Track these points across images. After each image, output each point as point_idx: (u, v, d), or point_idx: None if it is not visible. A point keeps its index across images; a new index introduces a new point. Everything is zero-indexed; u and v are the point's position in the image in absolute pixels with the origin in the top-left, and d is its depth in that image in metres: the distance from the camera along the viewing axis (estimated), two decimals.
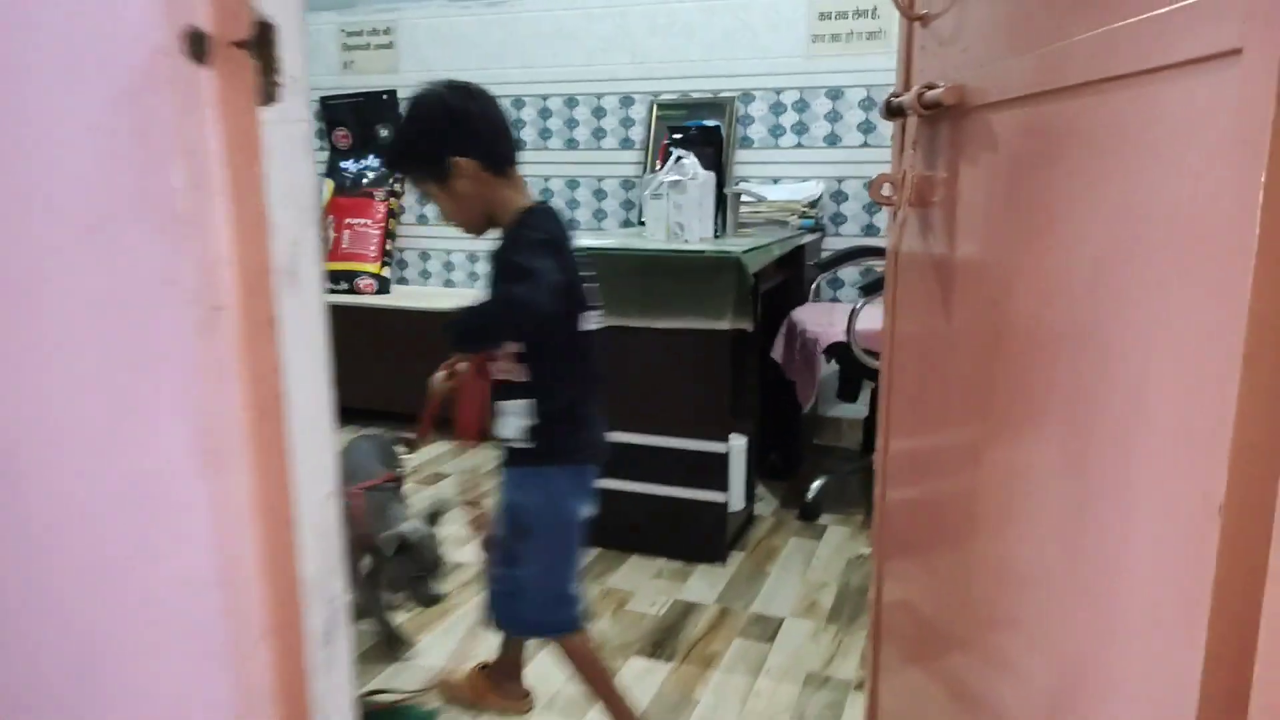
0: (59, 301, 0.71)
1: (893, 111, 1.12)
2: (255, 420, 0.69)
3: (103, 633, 0.76)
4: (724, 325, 2.15)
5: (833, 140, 3.16)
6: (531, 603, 1.47)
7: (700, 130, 2.61)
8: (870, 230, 3.20)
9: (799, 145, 3.23)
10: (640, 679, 1.80)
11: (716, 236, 2.54)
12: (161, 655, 0.74)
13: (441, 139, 1.34)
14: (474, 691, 1.69)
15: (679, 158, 2.44)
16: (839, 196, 3.21)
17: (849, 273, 3.25)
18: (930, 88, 1.00)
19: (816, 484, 2.64)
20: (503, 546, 1.46)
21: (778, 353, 2.80)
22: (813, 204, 3.07)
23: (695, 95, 3.36)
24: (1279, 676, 0.45)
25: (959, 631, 0.98)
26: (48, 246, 0.71)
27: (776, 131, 3.27)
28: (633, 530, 2.34)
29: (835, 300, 3.24)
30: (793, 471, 2.96)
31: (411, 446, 2.14)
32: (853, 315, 2.40)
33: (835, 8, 3.15)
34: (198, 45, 0.64)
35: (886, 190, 1.12)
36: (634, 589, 2.18)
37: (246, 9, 0.64)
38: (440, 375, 1.49)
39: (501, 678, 1.69)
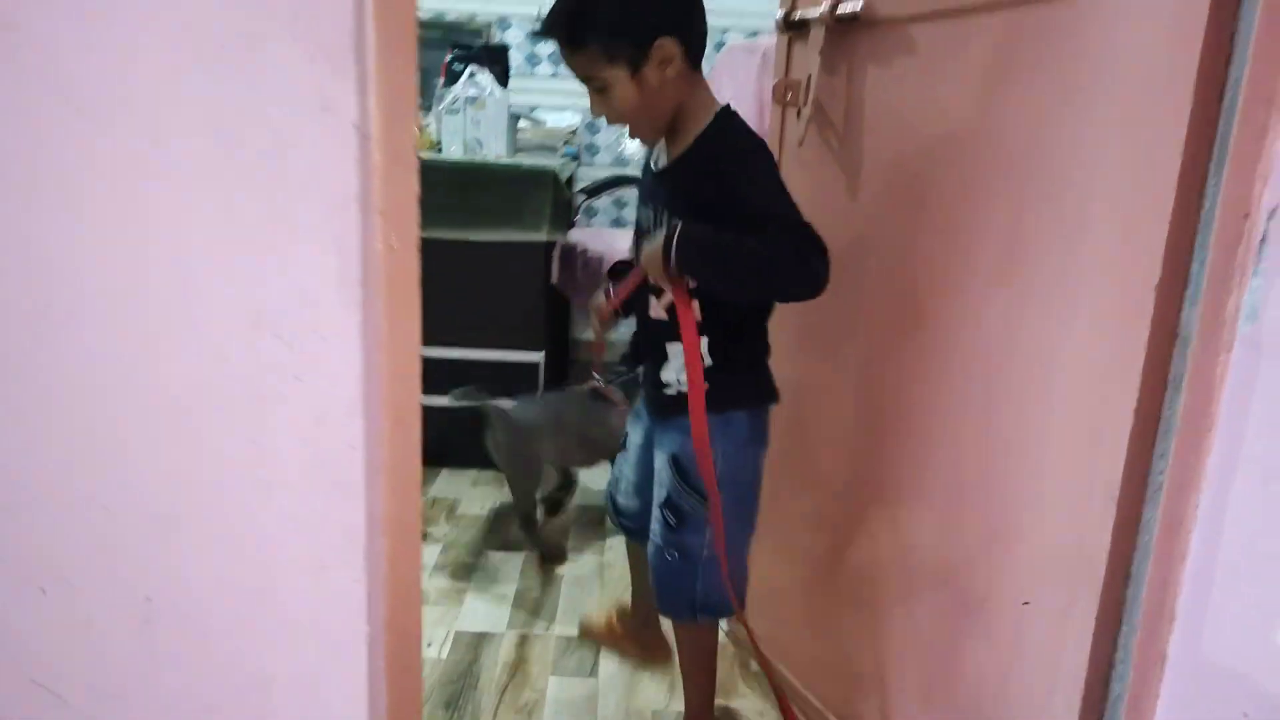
0: (195, 118, 0.69)
1: (790, 26, 1.31)
2: (390, 254, 0.73)
3: (243, 457, 0.75)
4: (541, 237, 2.25)
5: None
6: (708, 576, 1.23)
7: (487, 49, 2.65)
8: (620, 162, 3.42)
9: (555, 75, 3.35)
10: (506, 562, 1.91)
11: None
12: (297, 483, 0.76)
13: (652, 9, 1.11)
14: (612, 636, 1.59)
15: (472, 73, 2.47)
16: (592, 128, 3.39)
17: (603, 201, 3.46)
18: (838, 4, 1.20)
19: None
20: (675, 510, 1.22)
21: (554, 275, 2.94)
22: (572, 133, 3.22)
23: (450, 17, 3.34)
24: None
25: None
26: (178, 65, 0.68)
27: (533, 60, 3.35)
28: (445, 443, 2.38)
29: (592, 226, 3.44)
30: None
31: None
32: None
33: None
34: None
35: (787, 94, 1.32)
36: (459, 496, 2.25)
37: None
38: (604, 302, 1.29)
39: (639, 625, 1.54)
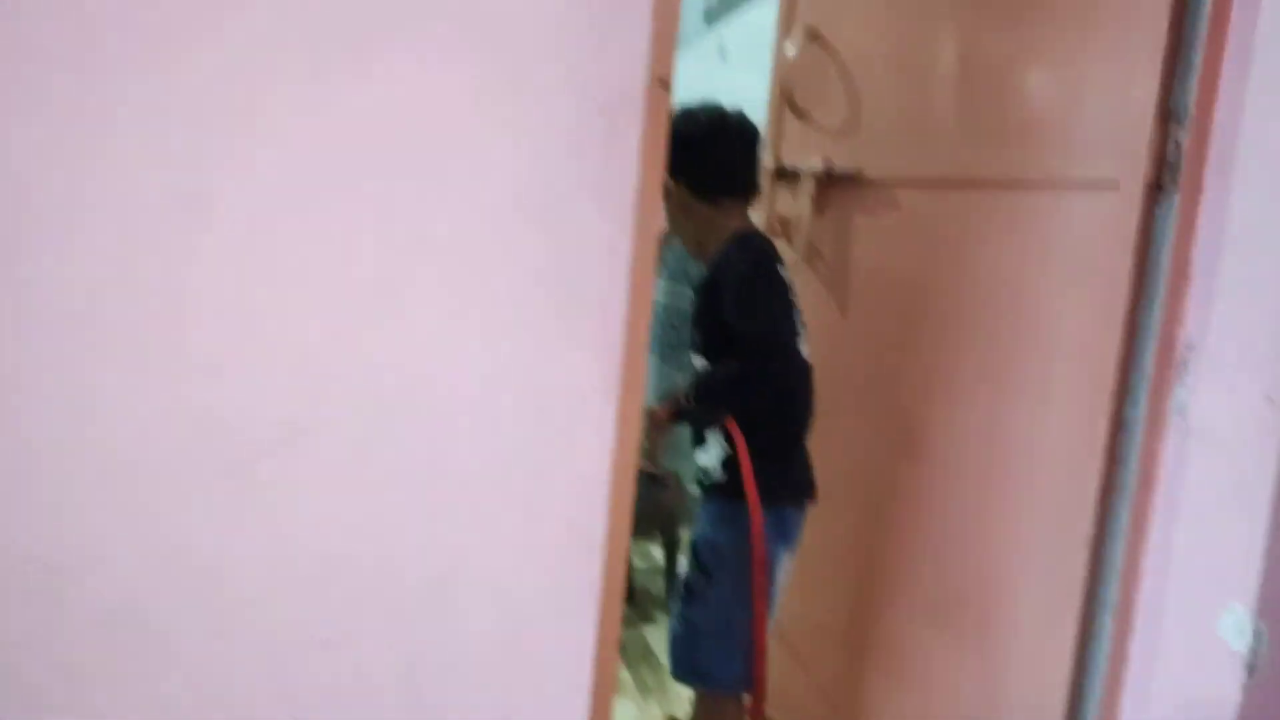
0: (503, 264, 0.88)
1: (780, 174, 1.64)
2: (631, 359, 0.95)
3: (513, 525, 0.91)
4: None
5: None
6: (705, 648, 1.37)
7: None
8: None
9: None
10: None
11: None
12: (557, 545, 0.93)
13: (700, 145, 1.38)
14: None
15: None
16: None
17: None
18: (831, 164, 1.55)
19: None
20: (688, 585, 1.39)
21: None
22: None
23: None
24: None
25: None
26: (498, 220, 0.87)
27: None
28: None
29: None
30: None
31: None
32: None
33: None
34: (661, 84, 0.90)
35: (777, 228, 1.64)
36: None
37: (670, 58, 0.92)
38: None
39: None
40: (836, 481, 1.59)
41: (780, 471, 1.37)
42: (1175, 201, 1.15)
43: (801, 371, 1.38)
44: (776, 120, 1.69)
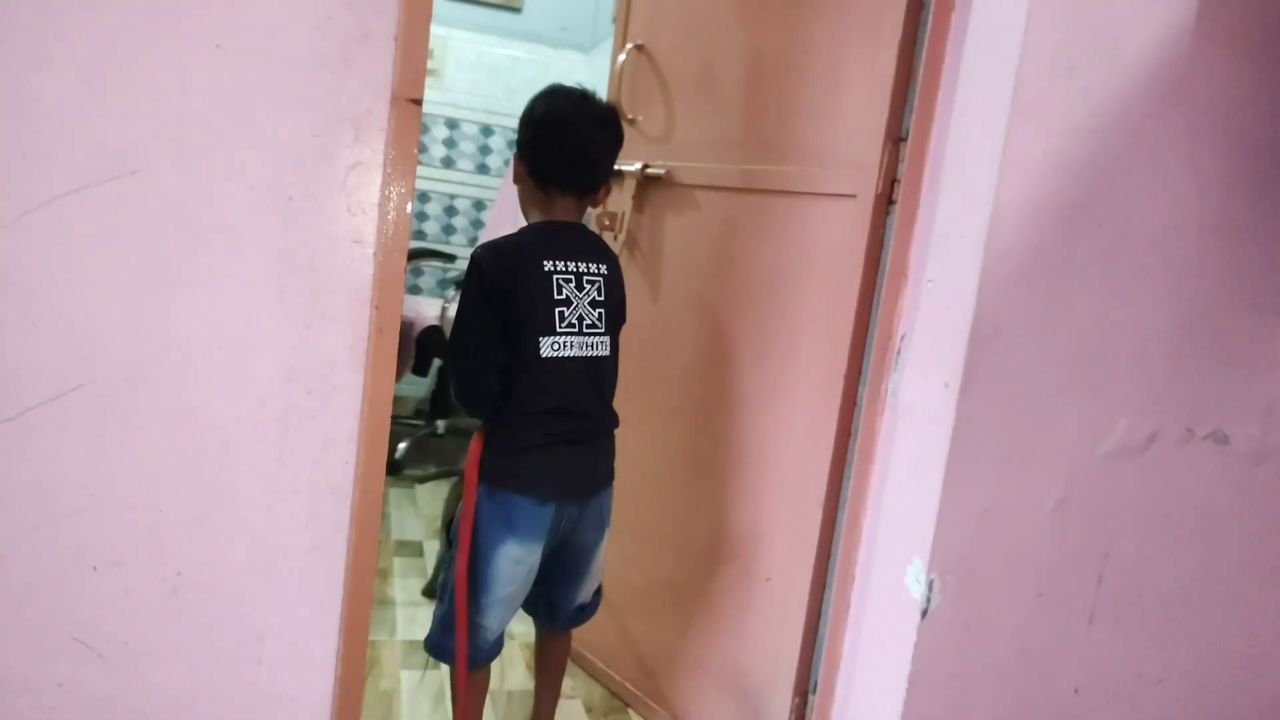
0: (259, 250, 1.03)
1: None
2: (380, 335, 1.10)
3: (269, 471, 1.07)
4: None
5: None
6: (436, 618, 1.43)
7: None
8: (419, 235, 3.76)
9: None
10: None
11: None
12: (306, 489, 1.08)
13: (520, 124, 1.41)
14: None
15: None
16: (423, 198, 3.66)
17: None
18: (648, 166, 1.71)
19: (401, 445, 3.13)
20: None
21: None
22: None
23: None
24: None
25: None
26: (259, 207, 1.02)
27: None
28: None
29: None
30: None
31: None
32: (445, 305, 2.98)
33: None
34: (412, 102, 1.06)
35: (606, 221, 1.80)
36: None
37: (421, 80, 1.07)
38: None
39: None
40: (651, 449, 1.76)
41: (508, 459, 1.35)
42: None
43: (536, 367, 1.33)
44: None
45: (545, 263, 1.35)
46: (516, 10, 3.63)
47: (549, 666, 1.60)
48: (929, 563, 1.21)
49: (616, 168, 1.76)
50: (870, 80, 1.34)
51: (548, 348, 1.34)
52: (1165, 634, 1.34)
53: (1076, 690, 1.31)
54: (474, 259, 1.35)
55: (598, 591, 1.56)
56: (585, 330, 1.38)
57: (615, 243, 1.78)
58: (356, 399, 1.10)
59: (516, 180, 1.43)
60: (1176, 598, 1.33)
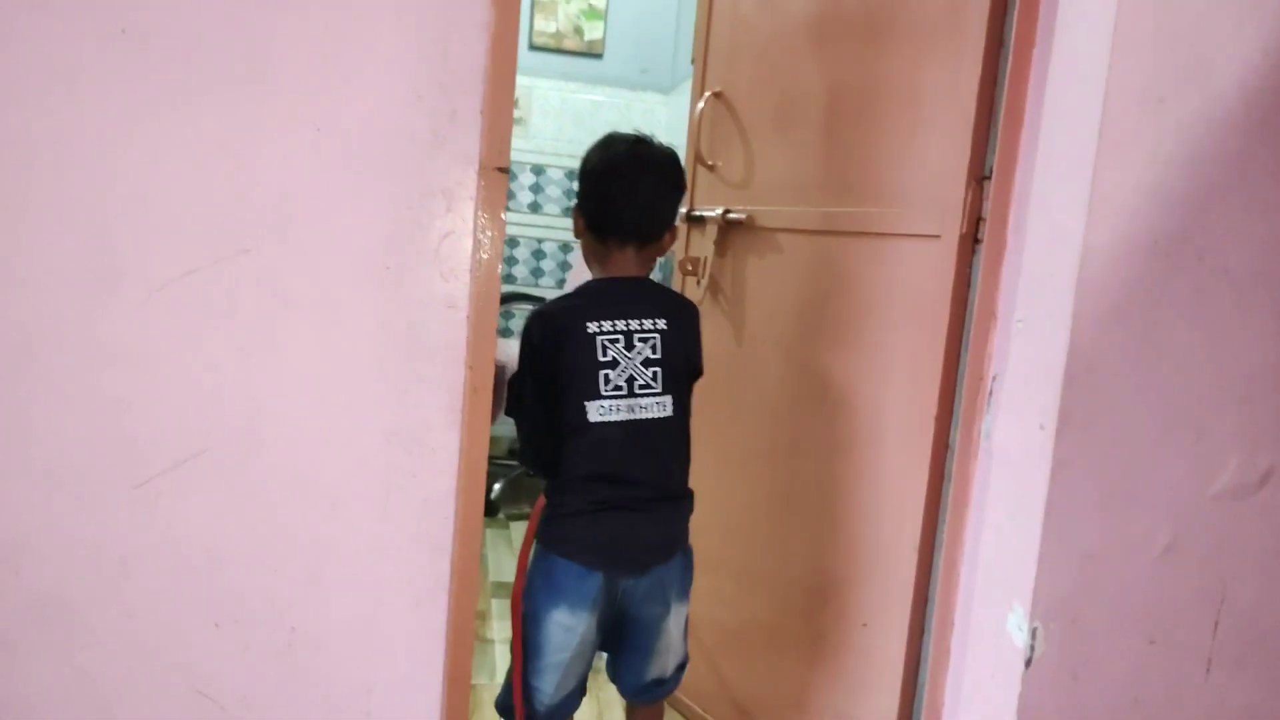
0: (358, 318, 1.09)
1: (690, 219, 1.83)
2: (475, 395, 1.14)
3: (375, 529, 1.12)
4: None
5: None
6: (506, 675, 1.41)
7: None
8: (509, 279, 3.85)
9: None
10: None
11: None
12: (408, 545, 1.13)
13: (578, 181, 1.41)
14: None
15: None
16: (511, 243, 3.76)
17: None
18: (729, 211, 1.73)
19: (496, 486, 3.20)
20: None
21: None
22: None
23: None
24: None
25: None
26: (358, 279, 1.08)
27: None
28: None
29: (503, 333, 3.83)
30: None
31: None
32: None
33: None
34: (499, 170, 1.10)
35: (689, 267, 1.82)
36: None
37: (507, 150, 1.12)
38: None
39: None
40: (742, 489, 1.77)
41: (558, 524, 1.33)
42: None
43: (584, 432, 1.30)
44: (691, 172, 1.88)
45: (590, 325, 1.31)
46: (598, 56, 3.72)
47: None
48: (1031, 609, 1.18)
49: (699, 213, 1.79)
50: (951, 119, 1.33)
51: (594, 413, 1.30)
52: None
53: None
54: (525, 326, 1.35)
55: (681, 667, 1.47)
56: (637, 392, 1.32)
57: (699, 288, 1.80)
58: (454, 457, 1.14)
59: (577, 234, 1.41)
60: None
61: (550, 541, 1.34)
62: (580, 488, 1.32)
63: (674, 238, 1.43)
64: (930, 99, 1.38)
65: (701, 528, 1.79)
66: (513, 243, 3.73)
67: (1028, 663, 1.18)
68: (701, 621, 1.81)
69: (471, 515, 1.16)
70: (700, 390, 1.87)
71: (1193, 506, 1.20)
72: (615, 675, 1.47)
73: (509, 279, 3.77)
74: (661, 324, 1.36)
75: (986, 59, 1.28)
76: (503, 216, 1.14)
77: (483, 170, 1.11)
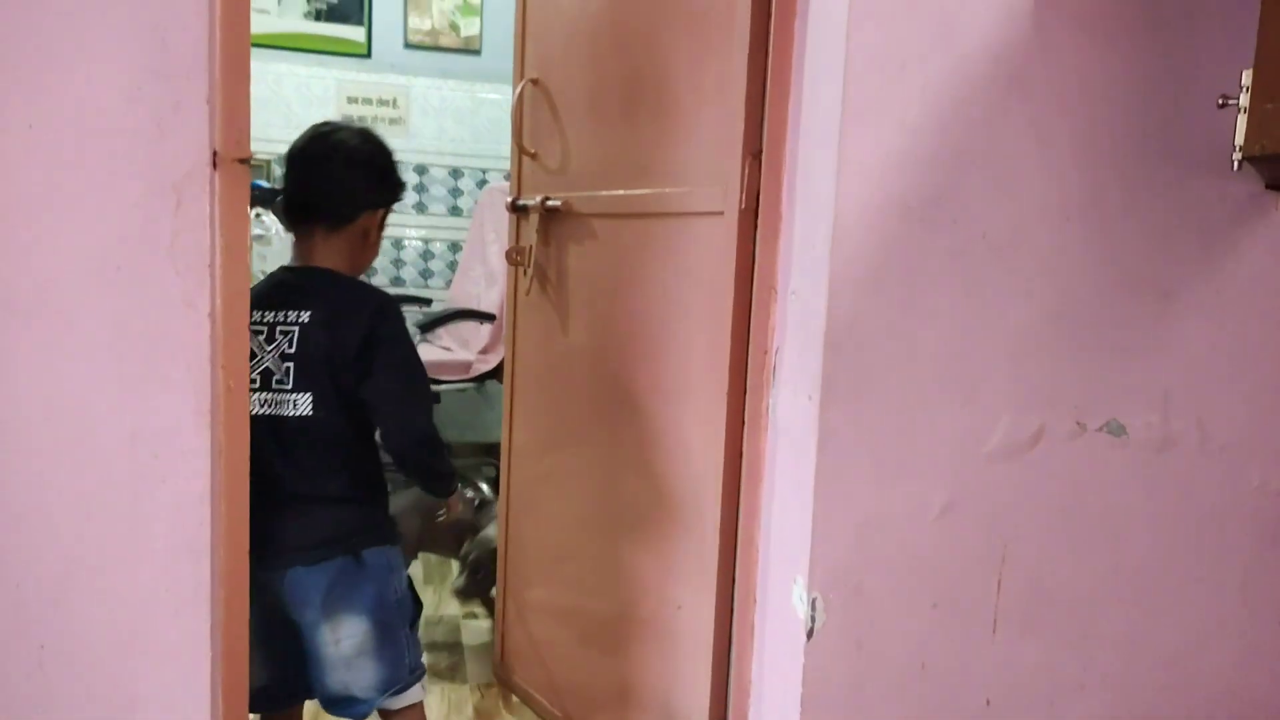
0: (88, 320, 1.04)
1: (515, 208, 1.81)
2: (229, 393, 1.11)
3: (124, 538, 1.08)
4: None
5: None
6: None
7: (271, 191, 2.99)
8: (416, 281, 3.79)
9: None
10: None
11: None
12: (162, 551, 1.09)
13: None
14: None
15: (258, 214, 2.81)
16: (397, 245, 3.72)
17: None
18: (547, 199, 1.71)
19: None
20: None
21: None
22: None
23: None
24: None
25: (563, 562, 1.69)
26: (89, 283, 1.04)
27: None
28: None
29: None
30: None
31: None
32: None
33: (361, 95, 3.71)
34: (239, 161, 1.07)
35: (515, 257, 1.80)
36: None
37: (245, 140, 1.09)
38: None
39: None
40: (568, 480, 1.75)
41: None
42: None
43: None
44: (516, 161, 1.86)
45: (253, 314, 1.28)
46: (476, 53, 3.68)
47: None
48: (809, 581, 1.18)
49: (522, 202, 1.77)
50: (727, 95, 1.33)
51: (257, 405, 1.30)
52: (1081, 637, 1.28)
53: (988, 702, 1.26)
54: None
55: (387, 689, 1.37)
56: (273, 387, 1.32)
57: (525, 278, 1.78)
58: (206, 459, 1.10)
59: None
60: (1089, 598, 1.28)
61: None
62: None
63: (375, 223, 1.43)
64: (709, 75, 1.38)
65: (534, 526, 1.77)
66: (398, 244, 3.68)
67: (809, 634, 1.18)
68: (537, 614, 1.80)
69: (236, 518, 1.13)
70: (533, 381, 1.86)
71: (967, 468, 1.21)
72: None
73: (397, 281, 3.72)
74: (305, 316, 1.32)
75: (754, 30, 1.28)
76: (246, 211, 1.11)
77: (220, 162, 1.07)
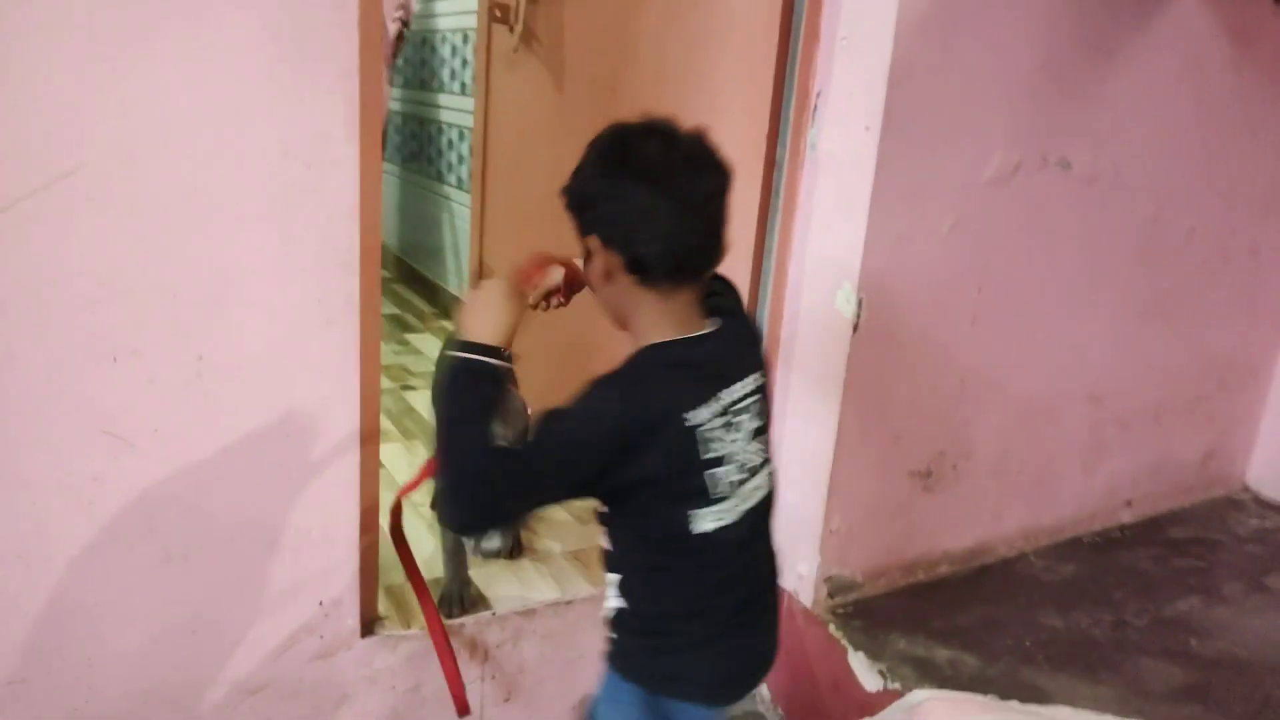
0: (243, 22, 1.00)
1: None
2: (366, 110, 1.12)
3: (274, 248, 1.07)
4: None
5: None
6: None
7: None
8: None
9: None
10: None
11: None
12: (312, 264, 1.11)
13: (585, 198, 0.96)
14: None
15: None
16: None
17: None
18: None
19: None
20: None
21: None
22: None
23: None
24: None
25: None
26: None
27: None
28: None
29: None
30: None
31: None
32: None
33: None
34: None
35: (497, 14, 1.79)
36: None
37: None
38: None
39: None
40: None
41: (654, 652, 0.99)
42: None
43: (695, 545, 0.93)
44: None
45: (687, 415, 0.91)
46: None
47: None
48: (857, 285, 1.42)
49: None
50: None
51: (704, 522, 0.93)
52: (1025, 333, 1.65)
53: (962, 381, 1.60)
54: (604, 392, 0.90)
55: None
56: (752, 471, 0.97)
57: (512, 36, 1.79)
58: (354, 171, 1.12)
59: (594, 280, 0.97)
60: (1030, 300, 1.64)
61: (649, 679, 0.99)
62: (678, 610, 0.97)
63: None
64: None
65: None
66: None
67: (855, 328, 1.44)
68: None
69: (371, 231, 1.16)
70: (519, 147, 1.88)
71: (969, 193, 1.48)
72: None
73: None
74: (760, 375, 1.00)
75: None
76: None
77: None
